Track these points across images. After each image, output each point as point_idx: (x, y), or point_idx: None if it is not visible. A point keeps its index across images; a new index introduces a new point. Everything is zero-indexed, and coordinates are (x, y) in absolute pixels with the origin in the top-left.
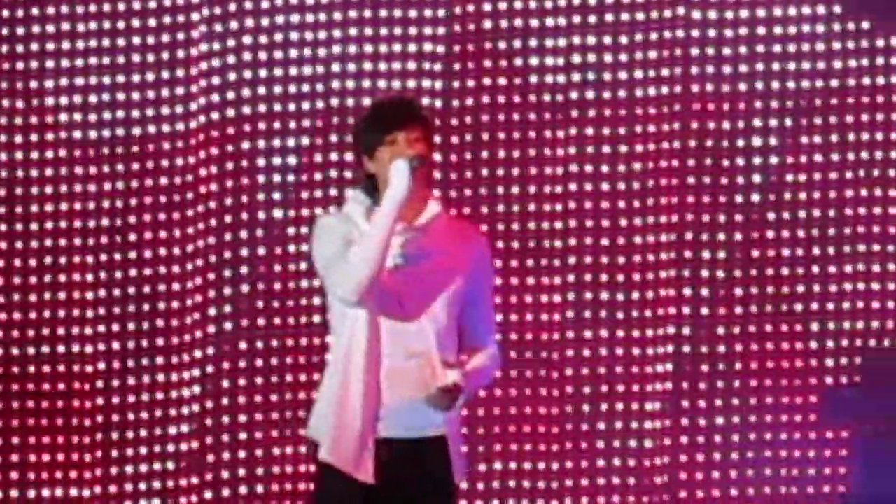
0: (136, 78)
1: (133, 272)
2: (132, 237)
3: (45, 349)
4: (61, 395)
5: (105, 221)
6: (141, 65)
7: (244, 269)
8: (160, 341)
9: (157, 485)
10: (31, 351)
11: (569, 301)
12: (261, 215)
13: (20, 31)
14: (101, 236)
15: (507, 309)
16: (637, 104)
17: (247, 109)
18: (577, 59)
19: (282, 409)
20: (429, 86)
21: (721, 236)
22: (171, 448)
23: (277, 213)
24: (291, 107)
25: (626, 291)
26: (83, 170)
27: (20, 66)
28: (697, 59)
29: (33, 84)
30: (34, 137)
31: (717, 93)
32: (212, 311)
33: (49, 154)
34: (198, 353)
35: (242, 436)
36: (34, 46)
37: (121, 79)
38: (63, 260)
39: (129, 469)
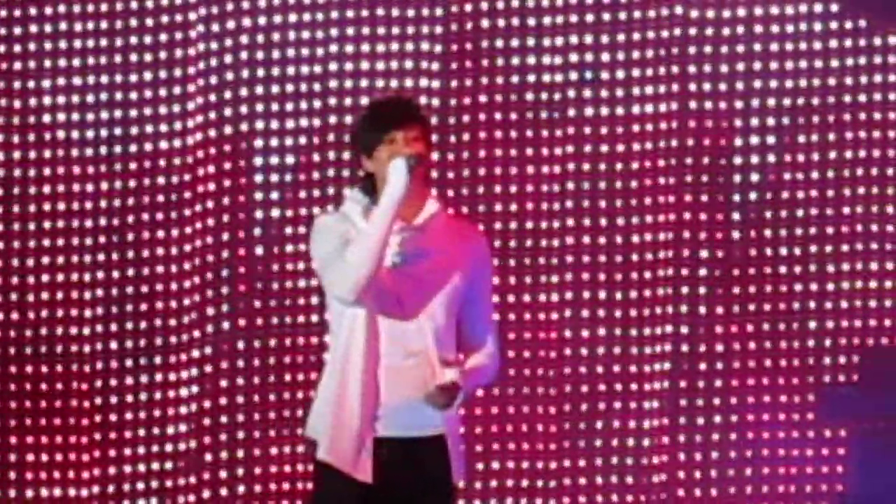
0: (133, 77)
1: (131, 272)
2: (130, 237)
3: (43, 349)
4: (59, 394)
5: (103, 221)
6: (138, 64)
7: (242, 269)
8: (158, 341)
9: (155, 484)
10: (28, 350)
11: (567, 300)
12: (258, 215)
13: (17, 30)
14: (99, 236)
15: (506, 308)
16: (634, 103)
17: (244, 109)
18: (574, 57)
19: (279, 408)
20: (426, 85)
21: (719, 235)
22: (169, 448)
23: (275, 213)
24: (289, 106)
25: (623, 290)
26: (80, 169)
27: (18, 65)
28: (695, 58)
29: (31, 83)
30: (32, 137)
31: (714, 91)
32: (210, 311)
33: (47, 153)
34: (196, 353)
35: (240, 435)
36: (32, 46)
37: (118, 78)
38: (61, 259)
39: (127, 468)
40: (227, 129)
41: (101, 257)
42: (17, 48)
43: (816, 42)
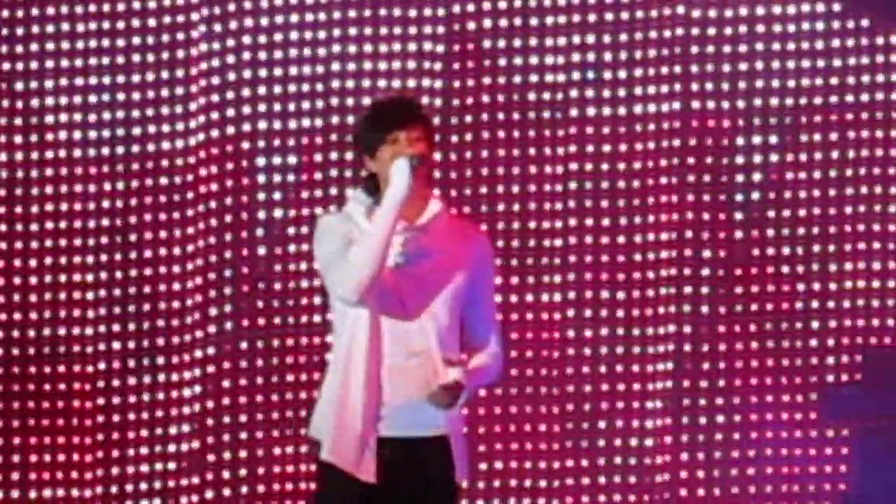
0: (135, 78)
1: (133, 272)
2: (132, 237)
3: (46, 349)
4: (62, 395)
5: (105, 221)
6: (141, 65)
7: (244, 269)
8: (160, 341)
9: (157, 485)
10: (31, 351)
11: (569, 300)
12: (261, 215)
13: (20, 31)
14: (102, 236)
15: (508, 308)
16: (636, 103)
17: (247, 109)
18: (576, 57)
19: (282, 408)
20: (428, 85)
21: (721, 234)
22: (171, 448)
23: (277, 213)
24: (291, 106)
25: (626, 290)
26: (83, 170)
27: (20, 66)
28: (697, 58)
29: (33, 84)
30: (34, 138)
31: (716, 91)
32: (212, 311)
33: (49, 154)
34: (198, 353)
35: (243, 435)
36: (34, 47)
37: (120, 79)
38: (63, 260)
39: (129, 469)
40: (230, 130)
41: (103, 258)
42: (20, 49)
43: (818, 41)
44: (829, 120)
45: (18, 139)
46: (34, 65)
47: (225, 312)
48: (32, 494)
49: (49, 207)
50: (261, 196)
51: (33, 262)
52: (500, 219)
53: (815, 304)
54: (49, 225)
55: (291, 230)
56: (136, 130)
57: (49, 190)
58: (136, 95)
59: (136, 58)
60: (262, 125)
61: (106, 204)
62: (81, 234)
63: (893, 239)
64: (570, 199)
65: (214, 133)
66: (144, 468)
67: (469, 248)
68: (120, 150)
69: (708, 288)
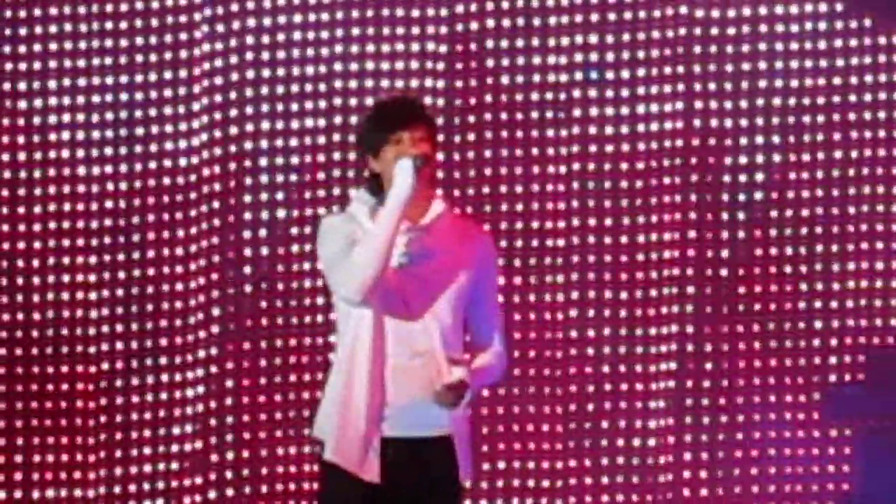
0: (138, 78)
1: (136, 272)
2: (135, 237)
3: (49, 350)
4: (65, 395)
5: (108, 222)
6: (144, 65)
7: (247, 269)
8: (164, 341)
9: (161, 485)
10: (34, 352)
11: (572, 300)
12: (264, 215)
13: (23, 31)
14: (105, 237)
15: (511, 308)
16: (639, 102)
17: (249, 109)
18: (579, 57)
19: (285, 408)
20: (431, 85)
21: (724, 234)
22: (175, 448)
23: (280, 213)
24: (294, 106)
25: (629, 290)
26: (86, 170)
27: (23, 66)
28: (700, 58)
29: (36, 84)
30: (37, 138)
31: (719, 91)
32: (215, 311)
33: (52, 154)
34: (201, 354)
35: (246, 436)
36: (37, 47)
37: (124, 79)
38: (66, 260)
39: (133, 469)
40: (233, 130)
41: (106, 258)
42: (23, 49)
43: (821, 41)
44: (832, 120)
45: (21, 139)
46: (37, 65)
47: (228, 313)
48: (36, 494)
49: (52, 208)
50: (263, 196)
51: (36, 263)
52: (502, 219)
53: (817, 304)
54: (52, 225)
55: (294, 230)
56: (139, 131)
57: (52, 190)
58: (139, 96)
59: (139, 58)
60: (265, 125)
61: (109, 204)
62: (84, 235)
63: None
64: (573, 199)
65: (217, 133)
66: (147, 468)
67: (472, 247)
68: (123, 150)
69: (711, 288)
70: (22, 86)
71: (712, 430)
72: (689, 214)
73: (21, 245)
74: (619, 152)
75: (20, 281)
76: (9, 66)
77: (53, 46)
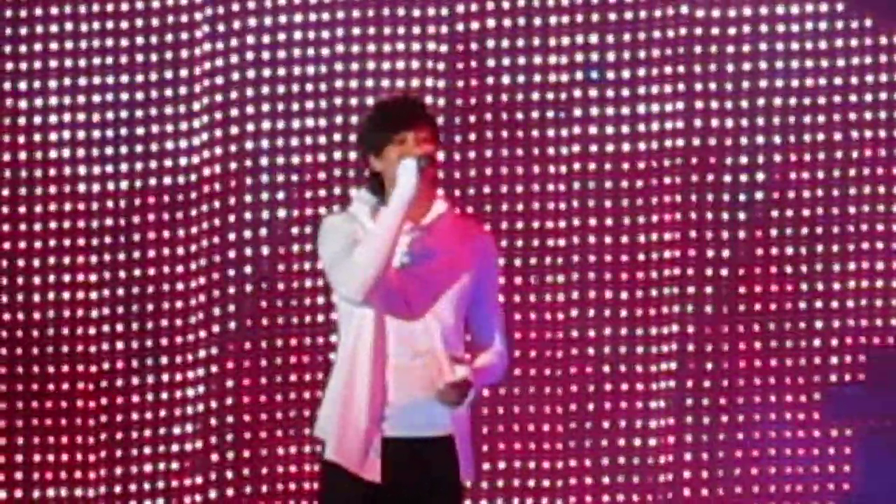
0: (139, 78)
1: (137, 272)
2: (136, 237)
3: (50, 349)
4: (65, 395)
5: (109, 221)
6: (144, 64)
7: (248, 269)
8: (164, 341)
9: (161, 485)
10: (35, 351)
11: (572, 299)
12: (264, 215)
13: (23, 31)
14: (105, 236)
15: (511, 307)
16: (640, 102)
17: (250, 109)
18: (579, 57)
19: (286, 408)
20: (432, 85)
21: (724, 234)
22: (175, 448)
23: (281, 213)
24: (295, 106)
25: (629, 289)
26: (87, 170)
27: (23, 66)
28: (700, 57)
29: (37, 84)
30: (38, 137)
31: (720, 91)
32: (216, 311)
33: (52, 154)
34: (202, 353)
35: (247, 435)
36: (37, 46)
37: (124, 79)
38: (67, 260)
39: (133, 469)
40: (233, 130)
41: (107, 258)
42: (23, 48)
43: (822, 41)
44: (832, 120)
45: (22, 139)
46: (38, 64)
47: (228, 312)
48: (36, 494)
49: (52, 207)
50: (264, 196)
51: (37, 262)
52: (503, 218)
53: (818, 303)
54: (52, 225)
55: (295, 230)
56: (140, 130)
57: (52, 190)
58: (139, 95)
59: (139, 58)
60: (266, 125)
61: (109, 204)
62: (85, 234)
63: None
64: (574, 199)
65: (218, 133)
66: (148, 468)
67: (473, 247)
68: (123, 149)
69: (711, 288)
70: (22, 85)
71: (713, 430)
72: (689, 214)
73: (21, 245)
74: (619, 152)
75: (20, 281)
76: (9, 65)
77: (54, 46)
